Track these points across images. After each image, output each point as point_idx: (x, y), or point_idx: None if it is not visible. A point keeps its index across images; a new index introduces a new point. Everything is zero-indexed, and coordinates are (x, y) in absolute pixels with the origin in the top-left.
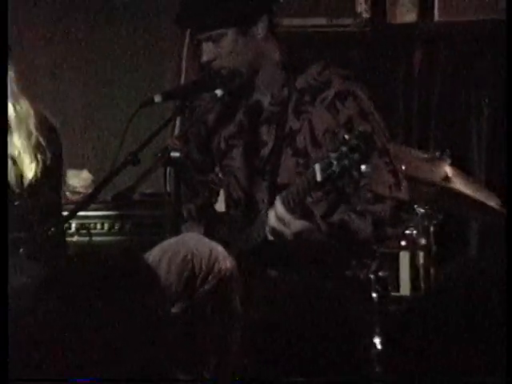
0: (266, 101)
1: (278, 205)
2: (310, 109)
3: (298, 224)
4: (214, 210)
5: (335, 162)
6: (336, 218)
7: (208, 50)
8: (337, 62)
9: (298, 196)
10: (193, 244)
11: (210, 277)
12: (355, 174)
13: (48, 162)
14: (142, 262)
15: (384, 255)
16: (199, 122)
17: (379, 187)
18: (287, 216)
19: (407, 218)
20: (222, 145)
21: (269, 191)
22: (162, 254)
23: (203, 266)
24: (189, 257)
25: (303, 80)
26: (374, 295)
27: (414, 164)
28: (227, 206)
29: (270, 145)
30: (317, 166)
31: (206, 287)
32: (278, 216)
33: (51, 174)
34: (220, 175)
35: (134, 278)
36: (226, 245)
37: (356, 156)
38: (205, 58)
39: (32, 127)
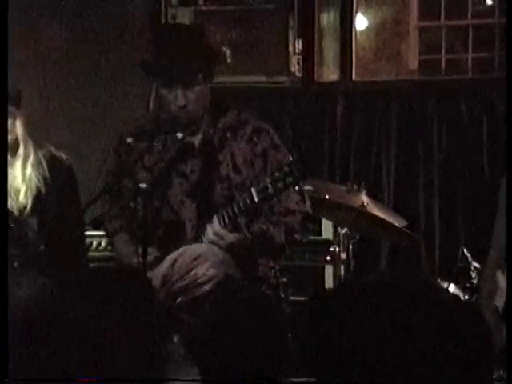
0: (197, 138)
1: (215, 223)
2: (232, 143)
3: (230, 236)
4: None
5: (270, 186)
6: (257, 227)
7: (182, 96)
8: (273, 113)
9: (235, 214)
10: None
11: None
12: (288, 193)
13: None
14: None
15: (311, 267)
16: (154, 157)
17: (289, 203)
18: (222, 231)
19: (312, 228)
20: (162, 175)
21: (197, 211)
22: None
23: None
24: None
25: (224, 121)
26: (282, 295)
27: (337, 194)
28: (158, 225)
29: (199, 173)
30: (253, 190)
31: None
32: (214, 231)
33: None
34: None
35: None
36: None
37: (290, 179)
38: (180, 103)
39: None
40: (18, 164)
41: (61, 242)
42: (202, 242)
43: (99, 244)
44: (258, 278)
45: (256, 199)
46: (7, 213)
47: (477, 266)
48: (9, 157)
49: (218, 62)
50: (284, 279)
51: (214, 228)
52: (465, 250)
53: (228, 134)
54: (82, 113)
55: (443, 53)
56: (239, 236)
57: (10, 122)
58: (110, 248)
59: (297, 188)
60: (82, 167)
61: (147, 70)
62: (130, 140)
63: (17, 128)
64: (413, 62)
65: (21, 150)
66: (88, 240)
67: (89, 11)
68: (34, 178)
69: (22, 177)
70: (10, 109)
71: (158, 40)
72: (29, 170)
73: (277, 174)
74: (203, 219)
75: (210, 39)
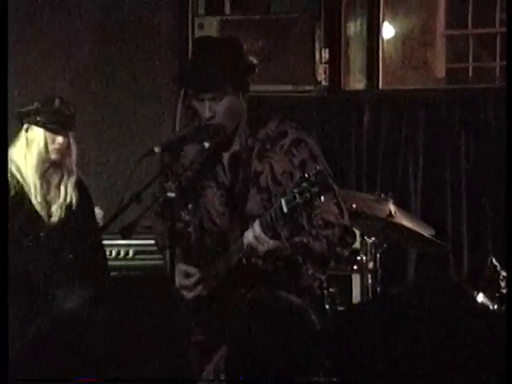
0: (236, 149)
1: (256, 226)
2: (271, 154)
3: (270, 243)
4: (189, 240)
5: (298, 196)
6: (298, 239)
7: (210, 108)
8: (297, 120)
9: (271, 222)
10: None
11: None
12: (316, 203)
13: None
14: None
15: (339, 277)
16: (183, 167)
17: (328, 216)
18: (262, 235)
19: (352, 242)
20: (198, 186)
21: (238, 222)
22: None
23: None
24: None
25: (264, 132)
26: (327, 306)
27: (364, 203)
28: (199, 235)
29: (238, 184)
30: (283, 200)
31: None
32: (255, 235)
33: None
34: (190, 209)
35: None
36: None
37: (315, 189)
38: (207, 115)
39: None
40: (64, 180)
41: (85, 253)
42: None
43: (127, 253)
44: (301, 288)
45: (285, 209)
46: (7, 213)
47: (505, 275)
48: (44, 168)
49: (250, 73)
50: (331, 289)
51: (254, 231)
52: (493, 259)
53: (267, 145)
54: (110, 126)
55: (470, 61)
56: (279, 245)
57: (62, 141)
58: (137, 257)
59: (335, 200)
60: (110, 177)
61: (178, 80)
62: (157, 149)
63: (72, 150)
64: (440, 70)
65: (71, 170)
66: (116, 249)
67: (116, 22)
68: (71, 196)
69: (65, 192)
70: (70, 134)
71: (191, 51)
72: (70, 188)
73: (304, 185)
74: (244, 231)
75: (244, 51)
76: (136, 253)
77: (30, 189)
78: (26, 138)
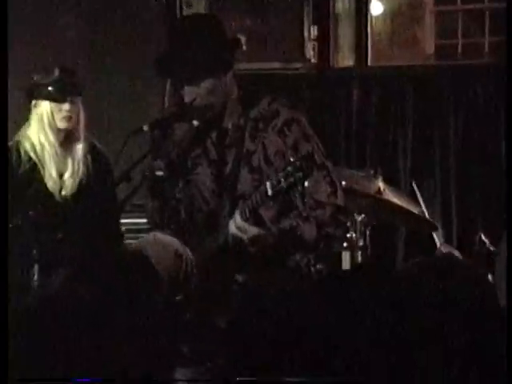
0: (228, 128)
1: (237, 216)
2: (263, 134)
3: (252, 230)
4: (179, 219)
5: (283, 180)
6: (286, 223)
7: (189, 92)
8: (286, 98)
9: (253, 208)
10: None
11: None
12: (300, 188)
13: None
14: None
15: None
16: (173, 145)
17: (320, 195)
18: (244, 224)
19: (345, 221)
20: (189, 163)
21: (229, 201)
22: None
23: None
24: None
25: (256, 111)
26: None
27: (353, 180)
28: (190, 214)
29: (230, 164)
30: (268, 184)
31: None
32: (236, 225)
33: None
34: (180, 188)
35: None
36: (192, 248)
37: (300, 174)
38: (187, 99)
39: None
40: (74, 148)
41: (99, 226)
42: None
43: None
44: (288, 267)
45: (270, 193)
46: (7, 213)
47: (493, 249)
48: (61, 139)
49: (233, 51)
50: (319, 266)
51: (236, 221)
52: (482, 236)
53: (260, 125)
54: (97, 107)
55: (459, 37)
56: (261, 231)
57: (68, 108)
58: (128, 236)
59: (329, 179)
60: None
61: (157, 69)
62: (146, 128)
63: (80, 116)
64: (429, 46)
65: (79, 137)
66: None
67: (105, 4)
68: (82, 165)
69: (72, 160)
70: (76, 99)
71: (169, 36)
72: (79, 154)
73: (289, 169)
74: (234, 210)
75: (225, 28)
76: (127, 231)
77: (44, 164)
78: (36, 114)
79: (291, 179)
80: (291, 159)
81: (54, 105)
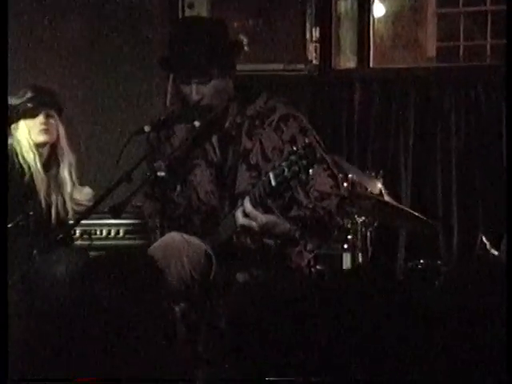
0: (226, 127)
1: (247, 202)
2: (260, 131)
3: (263, 218)
4: (178, 220)
5: (286, 169)
6: (294, 213)
7: (197, 90)
8: (283, 97)
9: (260, 197)
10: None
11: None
12: (304, 177)
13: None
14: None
15: (329, 255)
16: (172, 146)
17: (324, 187)
18: (254, 211)
19: (351, 211)
20: (189, 163)
21: (228, 200)
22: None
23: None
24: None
25: (252, 108)
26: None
27: (358, 177)
28: (188, 215)
29: (228, 162)
30: (271, 174)
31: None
32: (246, 212)
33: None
34: (179, 190)
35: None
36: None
37: (304, 162)
38: (195, 98)
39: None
40: (65, 170)
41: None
42: (233, 230)
43: (117, 232)
44: (289, 267)
45: (273, 183)
46: (7, 213)
47: (495, 253)
48: (44, 157)
49: (236, 52)
50: (319, 267)
51: (246, 208)
52: (483, 238)
53: (256, 122)
54: (99, 107)
55: (461, 40)
56: (272, 218)
57: (47, 121)
58: (128, 236)
59: (329, 173)
60: (100, 156)
61: (163, 66)
62: (147, 128)
63: (60, 130)
64: (431, 48)
65: (65, 156)
66: (106, 228)
67: (106, 2)
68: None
69: (71, 182)
70: (51, 112)
71: (174, 35)
72: (66, 169)
73: (292, 158)
74: (233, 209)
75: (229, 30)
76: (126, 232)
77: (37, 186)
78: (15, 137)
79: (295, 167)
80: (294, 148)
81: (29, 121)
